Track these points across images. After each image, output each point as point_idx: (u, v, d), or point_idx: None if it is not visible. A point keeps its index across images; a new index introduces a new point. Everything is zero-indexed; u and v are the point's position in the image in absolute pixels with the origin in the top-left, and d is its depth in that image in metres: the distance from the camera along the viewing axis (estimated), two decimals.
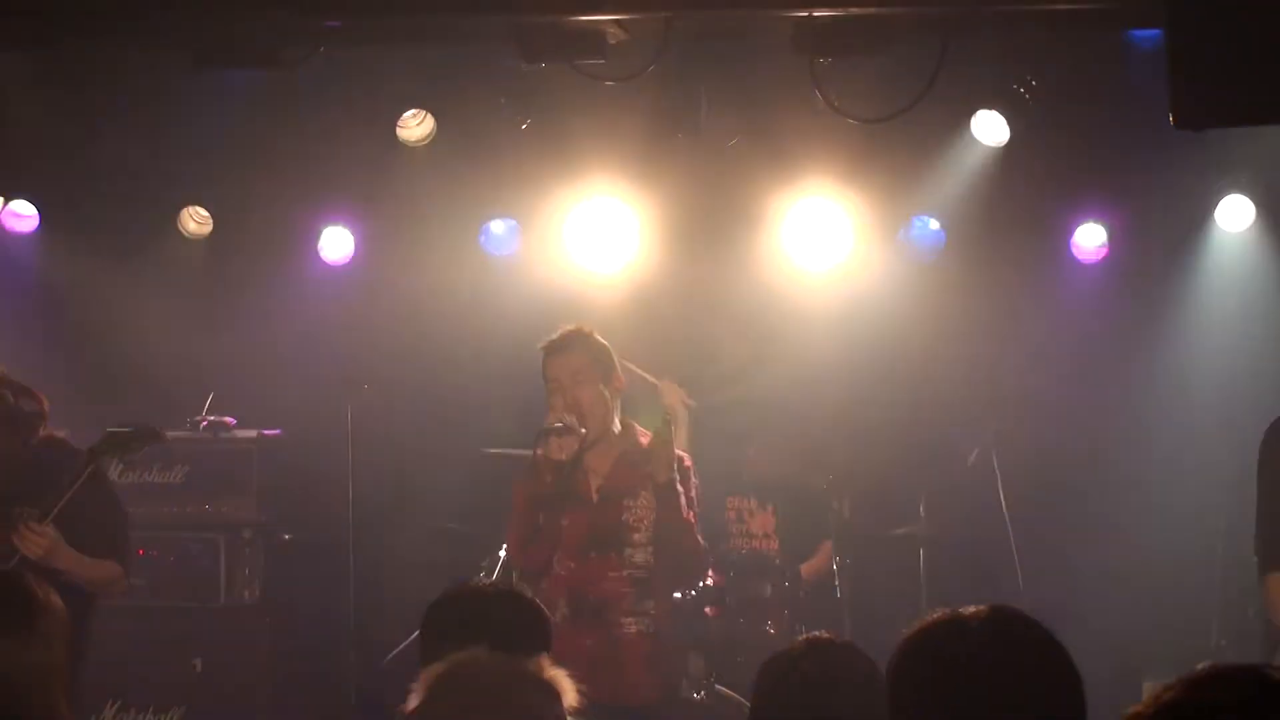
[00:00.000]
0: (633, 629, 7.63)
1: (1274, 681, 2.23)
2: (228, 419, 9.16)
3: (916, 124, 9.91)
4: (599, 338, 7.77)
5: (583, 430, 7.55)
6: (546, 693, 4.87)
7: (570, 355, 7.63)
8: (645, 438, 7.84)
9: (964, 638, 3.53)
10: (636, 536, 7.65)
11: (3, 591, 5.02)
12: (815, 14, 7.31)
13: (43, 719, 4.96)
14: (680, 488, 7.66)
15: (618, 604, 7.61)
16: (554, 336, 7.72)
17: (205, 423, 9.44)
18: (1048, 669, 3.49)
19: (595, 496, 7.70)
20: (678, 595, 9.07)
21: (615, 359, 7.77)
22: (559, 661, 5.27)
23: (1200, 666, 2.38)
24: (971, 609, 3.59)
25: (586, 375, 7.61)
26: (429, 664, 4.94)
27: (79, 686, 7.53)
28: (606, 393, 7.69)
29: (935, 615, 3.64)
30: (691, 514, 7.74)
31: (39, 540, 7.50)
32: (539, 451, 7.55)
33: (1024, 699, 3.39)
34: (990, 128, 9.79)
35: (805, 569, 9.65)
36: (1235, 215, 10.17)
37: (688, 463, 7.84)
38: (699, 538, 7.76)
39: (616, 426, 7.77)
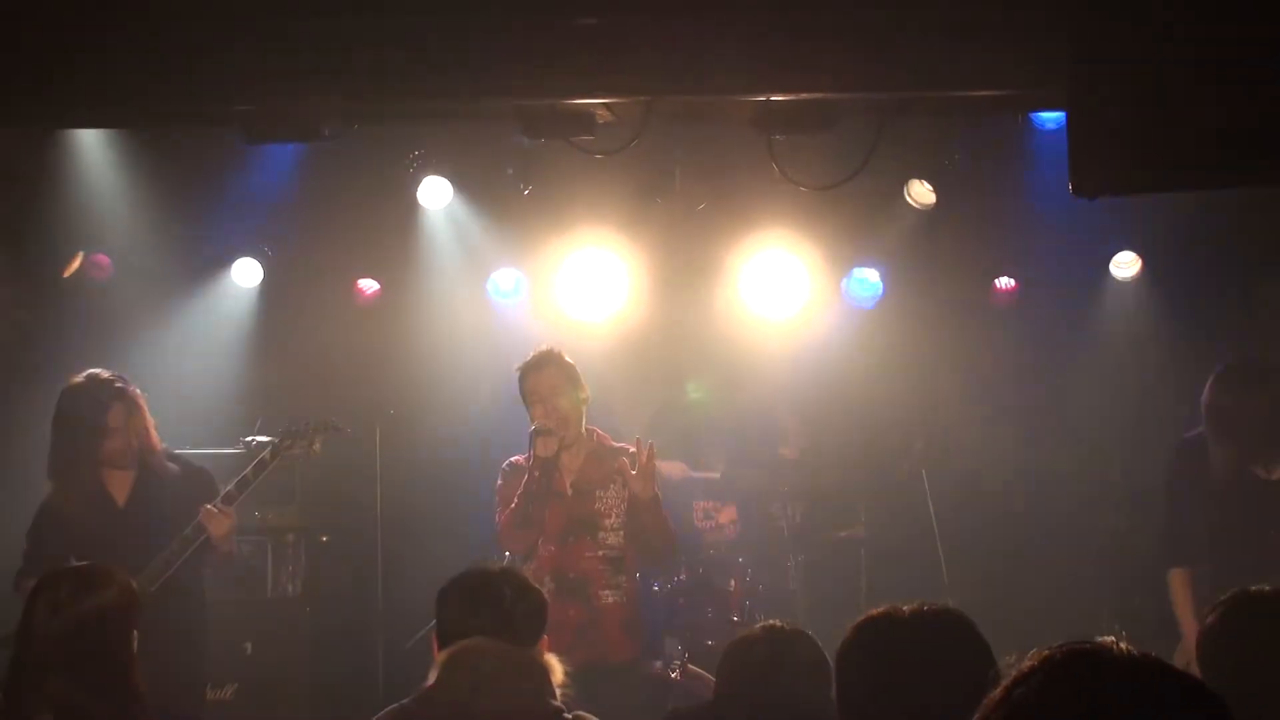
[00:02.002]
0: (610, 600, 7.68)
1: (1111, 656, 2.23)
2: (274, 439, 9.16)
3: (858, 191, 9.98)
4: (567, 357, 7.82)
5: (562, 433, 7.63)
6: (541, 674, 4.90)
7: (545, 371, 7.70)
8: (607, 439, 7.92)
9: (899, 626, 3.59)
10: (608, 522, 7.71)
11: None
12: (771, 98, 7.34)
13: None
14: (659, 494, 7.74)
15: (595, 580, 7.67)
16: (528, 358, 7.80)
17: (255, 442, 9.43)
18: (967, 650, 3.55)
19: (569, 491, 7.75)
20: (655, 587, 9.12)
21: (580, 374, 7.80)
22: (549, 631, 5.30)
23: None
24: (906, 604, 3.66)
25: (561, 388, 7.68)
26: (443, 646, 4.96)
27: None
28: (578, 401, 7.75)
29: (875, 609, 3.70)
30: (666, 513, 7.79)
31: (224, 521, 7.58)
32: (529, 452, 7.62)
33: (949, 675, 3.44)
34: (921, 194, 9.83)
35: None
36: (1125, 266, 10.23)
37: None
38: (672, 533, 7.79)
39: (584, 431, 7.82)
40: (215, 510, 7.57)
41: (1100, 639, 2.25)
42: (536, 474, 7.60)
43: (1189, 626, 7.31)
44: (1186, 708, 2.16)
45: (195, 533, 7.53)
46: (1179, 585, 7.46)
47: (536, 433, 7.60)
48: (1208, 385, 7.33)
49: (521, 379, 7.77)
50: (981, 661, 3.52)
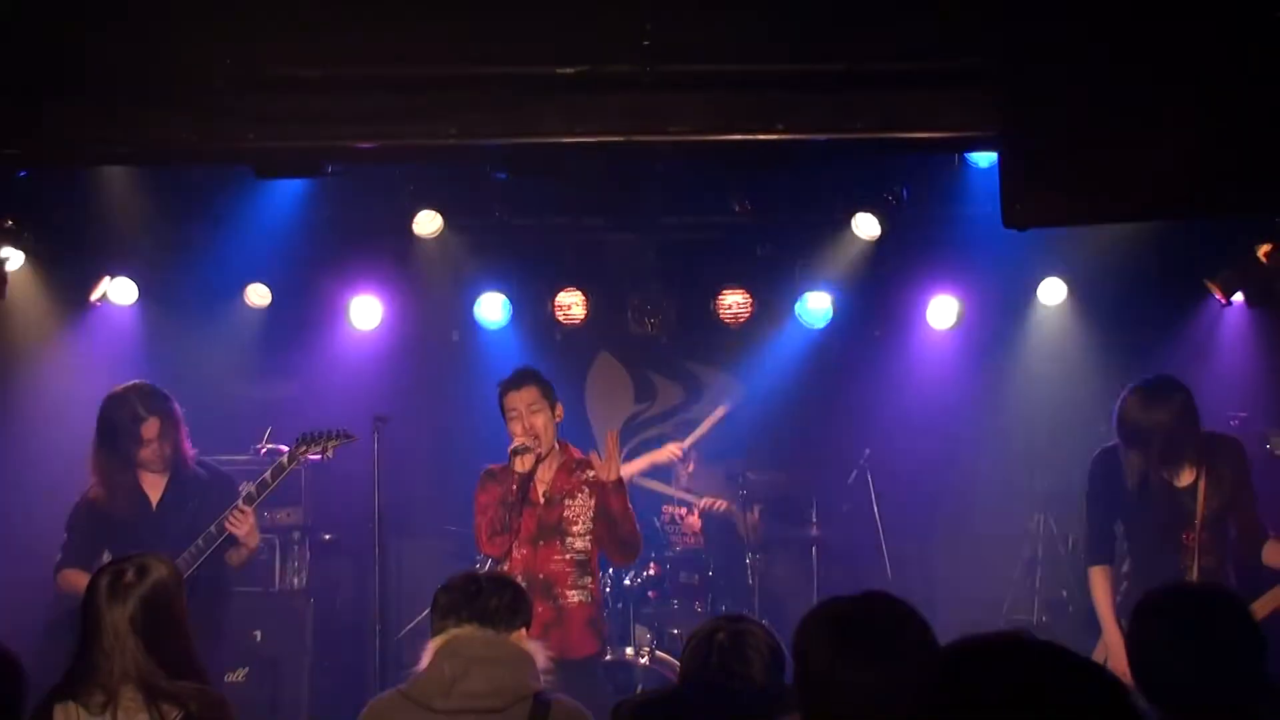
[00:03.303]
0: (575, 599, 7.67)
1: (1026, 643, 2.32)
2: (282, 447, 9.12)
3: (809, 224, 10.04)
4: (542, 375, 7.83)
5: (538, 450, 7.63)
6: (522, 658, 4.92)
7: (524, 391, 7.67)
8: (575, 452, 7.93)
9: (850, 610, 3.65)
10: (575, 529, 7.70)
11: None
12: (732, 138, 7.35)
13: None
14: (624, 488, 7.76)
15: (562, 580, 7.66)
16: (509, 376, 7.78)
17: (265, 450, 9.43)
18: (911, 631, 3.61)
19: (541, 500, 7.75)
20: (627, 581, 9.14)
21: (554, 391, 7.80)
22: None
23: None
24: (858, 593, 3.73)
25: (539, 405, 7.67)
26: (435, 635, 4.98)
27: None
28: (553, 417, 7.74)
29: (829, 597, 3.76)
30: (630, 508, 7.78)
31: (244, 521, 7.59)
32: (509, 465, 7.61)
33: (896, 650, 3.50)
34: (866, 226, 9.86)
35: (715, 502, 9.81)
36: (1052, 293, 10.26)
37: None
38: (636, 524, 7.78)
39: (556, 444, 7.82)
40: (236, 513, 7.60)
41: (1015, 628, 2.35)
42: (514, 487, 7.61)
43: (1108, 620, 7.35)
44: (1084, 686, 2.25)
45: (218, 531, 7.57)
46: (1097, 582, 7.50)
47: (515, 451, 7.59)
48: (1119, 400, 7.37)
49: (501, 395, 7.75)
50: (924, 639, 3.61)
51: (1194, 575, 7.18)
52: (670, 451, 10.18)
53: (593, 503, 7.72)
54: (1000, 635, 2.36)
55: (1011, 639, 2.34)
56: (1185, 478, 7.39)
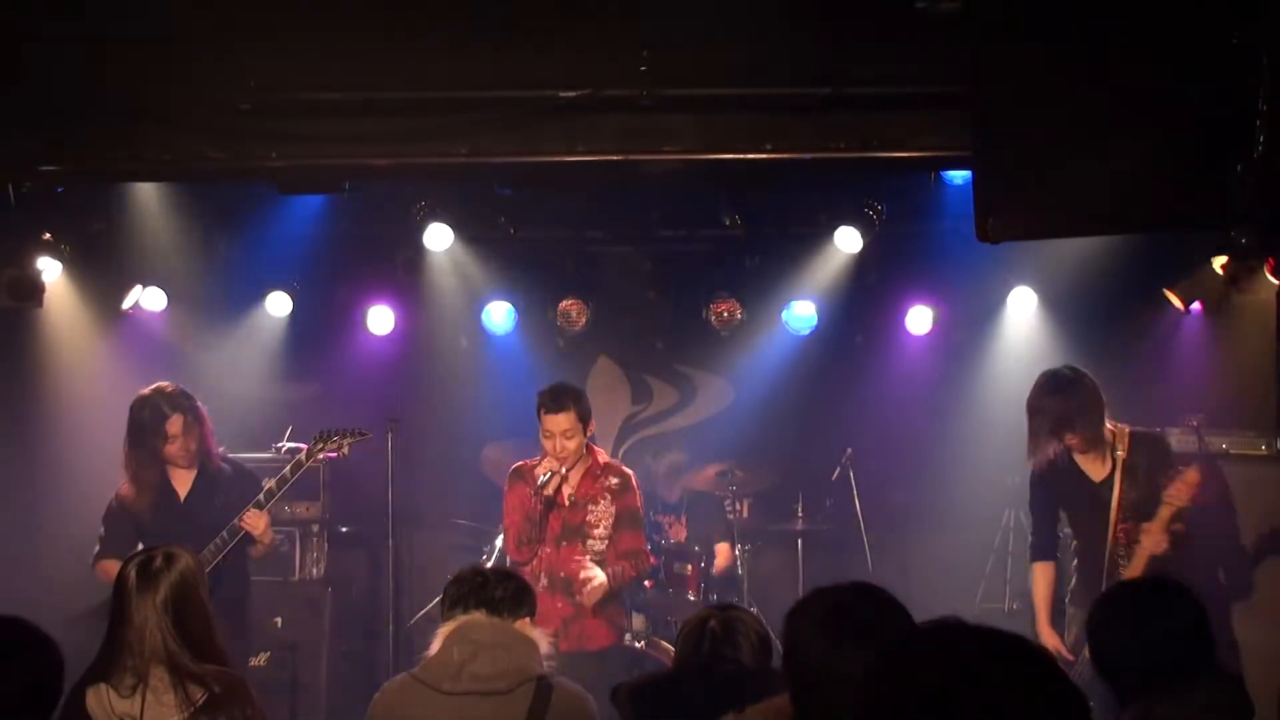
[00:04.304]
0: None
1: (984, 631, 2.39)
2: (302, 445, 9.12)
3: (795, 237, 10.05)
4: (582, 391, 7.79)
5: (565, 471, 7.60)
6: (527, 644, 4.93)
7: (563, 415, 7.53)
8: (600, 456, 7.90)
9: (839, 599, 3.68)
10: (596, 532, 7.71)
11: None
12: (723, 157, 7.36)
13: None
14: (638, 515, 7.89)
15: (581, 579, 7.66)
16: (549, 394, 7.63)
17: (285, 448, 9.42)
18: (896, 619, 3.63)
19: (567, 503, 7.74)
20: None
21: (590, 410, 7.73)
22: (541, 620, 5.34)
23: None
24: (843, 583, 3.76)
25: (574, 429, 7.55)
26: (445, 622, 4.99)
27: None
28: (584, 438, 7.67)
29: (817, 587, 3.78)
30: (641, 529, 7.88)
31: (260, 520, 7.60)
32: (538, 486, 7.57)
33: (882, 637, 3.52)
34: (848, 239, 9.86)
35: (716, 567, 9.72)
36: (1022, 302, 10.26)
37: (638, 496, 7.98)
38: (646, 546, 7.92)
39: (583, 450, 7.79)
40: (251, 513, 7.60)
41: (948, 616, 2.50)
42: (539, 506, 7.59)
43: (1041, 615, 7.40)
44: (1025, 664, 2.34)
45: (234, 531, 7.55)
46: (1036, 578, 7.53)
47: (547, 479, 7.53)
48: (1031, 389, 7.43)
49: (540, 410, 7.60)
50: (904, 623, 3.64)
51: (1131, 566, 7.14)
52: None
53: (613, 509, 7.74)
54: (935, 621, 2.47)
55: (944, 622, 2.45)
56: (1099, 471, 7.40)
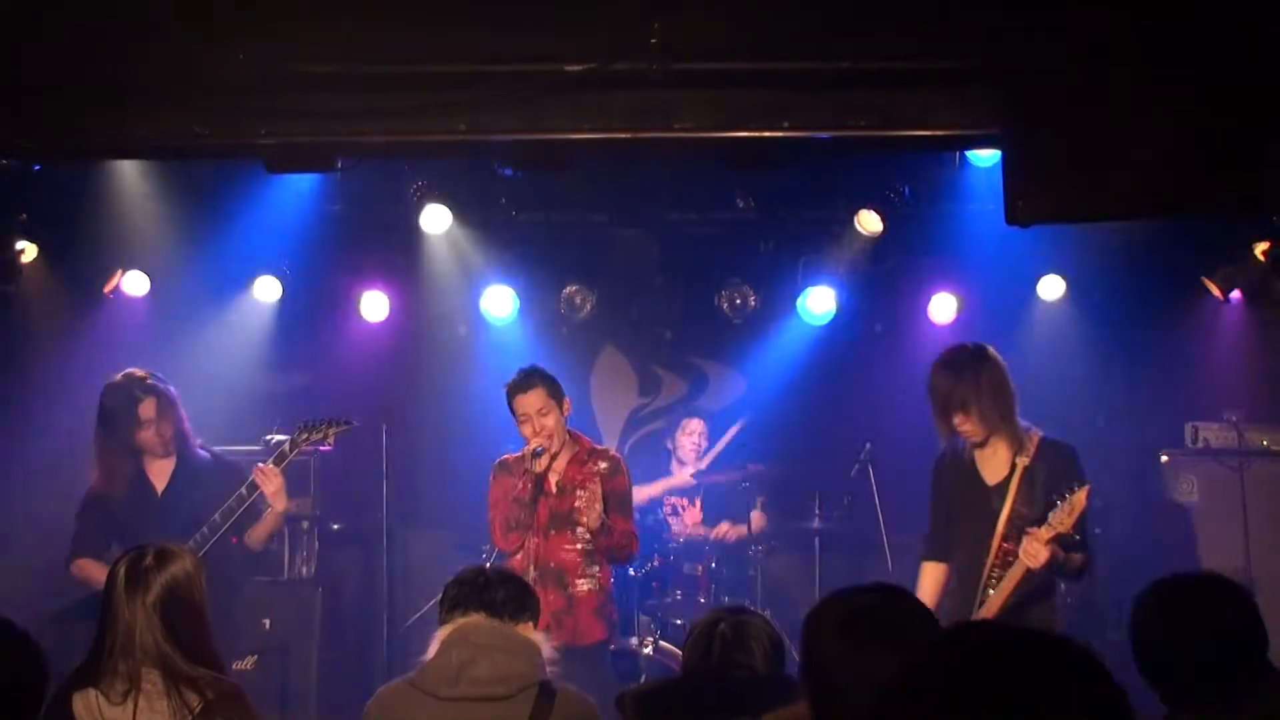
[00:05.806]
0: (584, 588, 7.75)
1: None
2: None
3: (812, 221, 10.02)
4: (548, 372, 7.81)
5: (553, 449, 7.66)
6: (529, 647, 4.92)
7: (532, 393, 7.68)
8: (586, 442, 7.98)
9: (860, 603, 3.65)
10: (585, 519, 7.69)
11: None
12: (737, 135, 7.34)
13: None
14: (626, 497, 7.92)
15: (572, 569, 7.74)
16: (515, 378, 7.77)
17: (274, 440, 9.43)
18: (921, 624, 3.60)
19: (554, 490, 7.79)
20: (631, 573, 9.14)
21: (560, 387, 7.79)
22: None
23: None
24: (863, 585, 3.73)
25: (547, 406, 7.67)
26: (444, 625, 4.98)
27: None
28: (561, 414, 7.75)
29: (836, 590, 3.76)
30: (630, 514, 7.93)
31: (275, 479, 7.58)
32: (525, 463, 7.61)
33: (907, 643, 3.50)
34: (869, 223, 9.84)
35: (728, 531, 9.76)
36: (1051, 289, 10.25)
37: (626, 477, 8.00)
38: (633, 528, 7.93)
39: (567, 435, 7.84)
40: (265, 469, 7.56)
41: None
42: (528, 485, 7.62)
43: None
44: (1056, 658, 2.30)
45: (222, 519, 7.50)
46: (922, 579, 7.20)
47: (533, 455, 7.61)
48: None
49: (510, 398, 7.75)
50: (929, 627, 3.61)
51: (1001, 587, 6.76)
52: (685, 478, 10.20)
53: (602, 492, 7.74)
54: (961, 623, 2.53)
55: (974, 625, 2.50)
56: (996, 473, 7.08)
